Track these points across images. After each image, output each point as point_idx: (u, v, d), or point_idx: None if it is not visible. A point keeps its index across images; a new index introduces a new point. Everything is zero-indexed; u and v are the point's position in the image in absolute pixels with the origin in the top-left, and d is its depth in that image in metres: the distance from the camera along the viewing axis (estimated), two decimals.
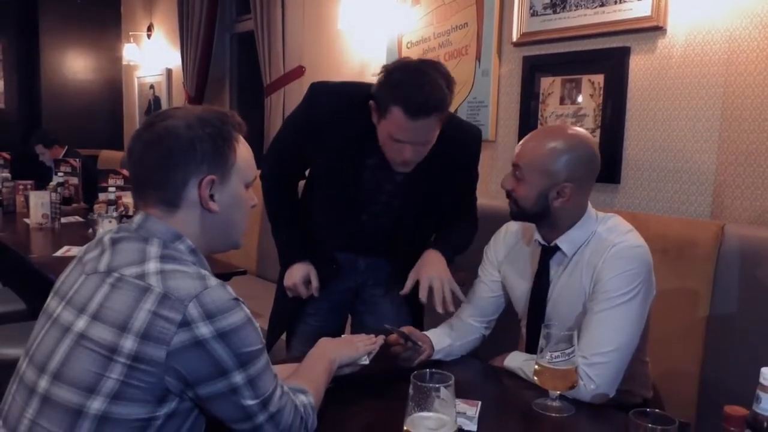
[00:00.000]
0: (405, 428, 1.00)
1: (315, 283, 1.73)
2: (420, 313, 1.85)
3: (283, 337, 1.91)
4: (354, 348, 1.34)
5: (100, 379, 0.92)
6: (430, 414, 0.98)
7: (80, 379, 0.93)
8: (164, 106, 5.18)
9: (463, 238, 1.77)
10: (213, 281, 0.98)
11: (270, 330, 1.90)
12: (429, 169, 1.63)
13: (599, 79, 2.21)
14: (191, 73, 4.47)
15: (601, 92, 2.20)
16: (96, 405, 0.91)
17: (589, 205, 1.48)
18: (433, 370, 1.04)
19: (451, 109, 2.65)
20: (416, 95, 1.44)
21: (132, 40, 5.40)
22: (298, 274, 1.73)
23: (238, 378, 0.96)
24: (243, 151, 1.07)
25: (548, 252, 1.49)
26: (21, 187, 3.83)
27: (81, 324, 0.95)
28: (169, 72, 5.11)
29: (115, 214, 2.74)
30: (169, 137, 1.01)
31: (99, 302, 0.96)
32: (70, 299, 1.00)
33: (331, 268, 1.76)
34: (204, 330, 0.93)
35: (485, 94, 2.61)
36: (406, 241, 1.73)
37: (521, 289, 1.56)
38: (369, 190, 1.68)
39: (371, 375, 1.38)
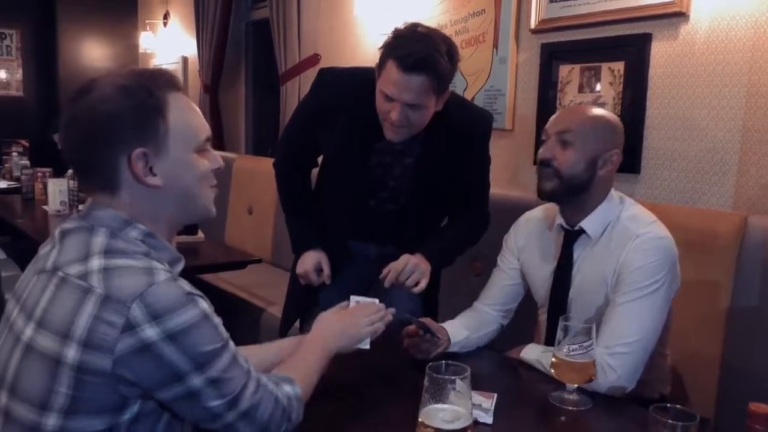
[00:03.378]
0: (420, 420, 0.99)
1: (327, 270, 1.73)
2: (434, 304, 1.83)
3: (297, 324, 1.91)
4: (356, 335, 1.25)
5: (50, 394, 0.85)
6: (446, 406, 0.98)
7: (32, 394, 0.87)
8: None
9: (460, 242, 1.75)
10: (162, 276, 0.88)
11: (283, 318, 1.91)
12: (438, 153, 1.62)
13: (619, 66, 2.16)
14: (207, 61, 4.46)
15: (621, 80, 2.16)
16: (51, 422, 0.85)
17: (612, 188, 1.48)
18: (449, 361, 1.03)
19: (468, 97, 2.66)
20: (411, 50, 1.43)
21: (148, 28, 5.40)
22: (310, 261, 1.73)
23: (196, 381, 0.89)
24: (179, 114, 0.96)
25: (572, 236, 1.47)
26: (39, 174, 3.87)
27: (28, 332, 0.89)
28: (185, 60, 5.11)
29: None
30: (86, 117, 0.92)
31: (44, 307, 0.88)
32: (23, 303, 0.93)
33: (342, 256, 1.76)
34: (150, 332, 0.85)
35: (502, 82, 2.57)
36: (414, 229, 1.71)
37: (542, 275, 1.55)
38: (377, 175, 1.67)
39: (386, 365, 1.37)
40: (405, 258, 1.58)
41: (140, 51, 5.60)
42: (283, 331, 1.90)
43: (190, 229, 2.84)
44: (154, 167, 0.94)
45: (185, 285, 0.92)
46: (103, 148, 0.92)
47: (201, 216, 1.06)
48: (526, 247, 1.59)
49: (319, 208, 1.78)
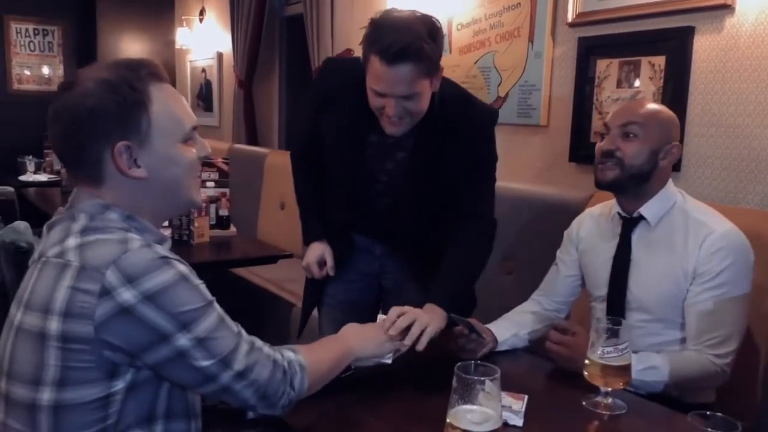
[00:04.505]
0: (447, 420, 0.97)
1: (330, 262, 1.71)
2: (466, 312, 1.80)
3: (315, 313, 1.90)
4: (379, 344, 1.26)
5: (41, 369, 0.88)
6: (474, 407, 0.95)
7: (25, 372, 0.89)
8: (215, 90, 5.24)
9: (468, 275, 1.59)
10: (136, 244, 0.90)
11: (302, 310, 1.90)
12: (432, 150, 1.56)
13: (660, 60, 2.10)
14: (241, 57, 4.49)
15: (662, 75, 2.10)
16: (46, 396, 0.87)
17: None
18: (478, 361, 1.01)
19: (501, 93, 2.61)
20: (391, 40, 1.36)
21: (184, 24, 5.47)
22: (313, 254, 1.72)
23: (182, 341, 0.89)
24: (162, 106, 0.97)
25: (630, 223, 1.50)
26: None
27: (18, 316, 0.92)
28: (219, 56, 5.16)
29: None
30: (69, 111, 0.93)
31: (29, 291, 0.92)
32: (17, 295, 0.96)
33: (347, 250, 1.73)
34: (126, 295, 0.86)
35: (537, 77, 2.53)
36: (408, 226, 1.65)
37: (600, 263, 1.56)
38: (371, 169, 1.62)
39: (415, 362, 1.35)
40: (419, 325, 1.35)
41: (176, 47, 5.68)
42: (303, 323, 1.90)
43: (222, 224, 2.87)
44: (138, 159, 0.96)
45: (161, 250, 0.92)
46: (87, 141, 0.94)
47: (185, 206, 1.07)
48: (585, 237, 1.63)
49: (326, 201, 1.77)
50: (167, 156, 0.98)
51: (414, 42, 1.37)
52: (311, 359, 1.07)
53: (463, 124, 1.55)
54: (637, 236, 1.50)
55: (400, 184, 1.62)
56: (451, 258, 1.57)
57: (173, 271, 0.90)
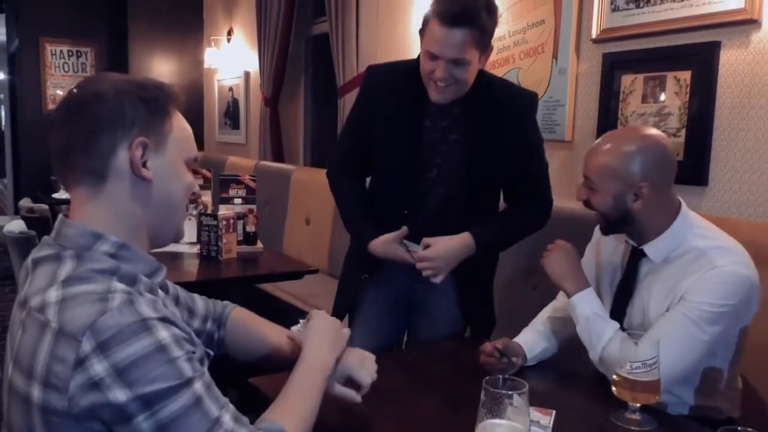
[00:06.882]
0: None
1: (400, 231, 1.65)
2: (474, 313, 1.80)
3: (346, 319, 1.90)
4: (338, 340, 1.17)
5: None
6: (502, 421, 0.96)
7: None
8: (242, 108, 5.33)
9: (516, 226, 1.76)
10: (117, 301, 0.82)
11: (333, 312, 1.91)
12: (483, 129, 1.65)
13: (686, 75, 2.10)
14: (268, 75, 4.58)
15: (688, 90, 2.09)
16: None
17: (685, 209, 1.41)
18: (507, 376, 1.02)
19: None
20: (451, 5, 1.50)
21: (213, 45, 5.60)
22: (381, 240, 1.68)
23: (143, 425, 0.80)
24: (181, 122, 0.98)
25: (637, 254, 1.45)
26: None
27: (9, 370, 0.86)
28: (247, 75, 5.26)
29: (194, 211, 2.83)
30: (97, 101, 0.90)
31: (17, 343, 0.86)
32: (8, 336, 0.91)
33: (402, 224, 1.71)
34: (98, 368, 0.78)
35: (562, 93, 2.53)
36: (461, 217, 1.69)
37: (606, 283, 1.54)
38: (426, 153, 1.69)
39: (442, 375, 1.36)
40: (436, 249, 1.61)
41: (205, 67, 5.80)
42: None
43: (249, 240, 2.91)
44: (148, 161, 0.93)
45: (146, 309, 0.84)
46: (108, 135, 0.90)
47: (173, 232, 1.02)
48: (603, 251, 1.59)
49: (373, 211, 1.79)
50: (174, 169, 0.97)
51: (472, 8, 1.50)
52: (297, 421, 0.96)
53: (509, 104, 1.68)
54: (645, 269, 1.43)
55: (453, 172, 1.68)
56: (504, 212, 1.78)
57: (151, 339, 0.81)
